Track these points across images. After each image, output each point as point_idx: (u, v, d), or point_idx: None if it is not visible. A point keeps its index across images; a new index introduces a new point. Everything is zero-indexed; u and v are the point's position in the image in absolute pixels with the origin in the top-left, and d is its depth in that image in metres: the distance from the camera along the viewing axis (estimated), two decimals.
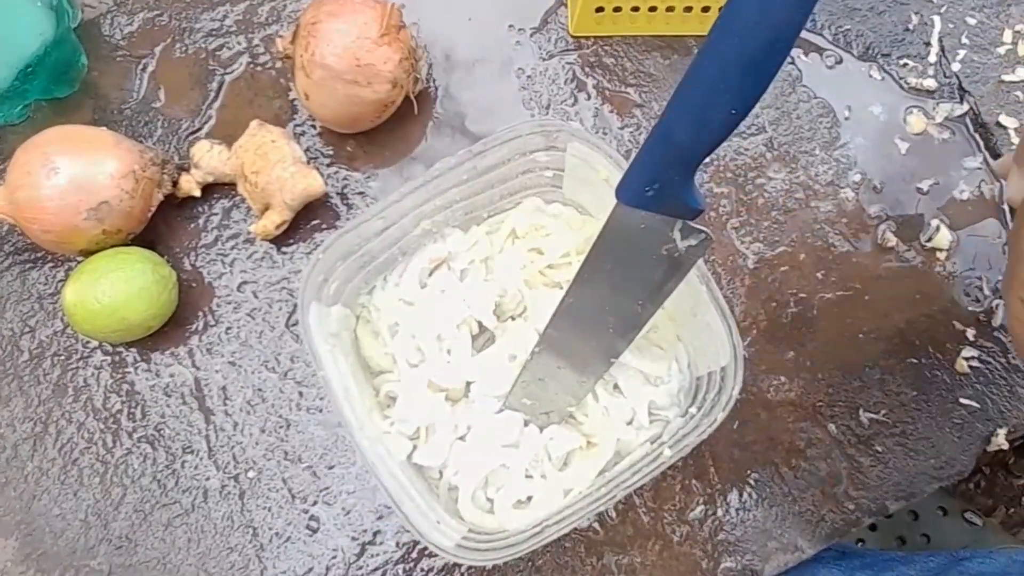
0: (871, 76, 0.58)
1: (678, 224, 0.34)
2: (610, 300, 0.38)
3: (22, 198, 0.47)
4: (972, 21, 0.60)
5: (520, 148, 0.44)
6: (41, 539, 0.50)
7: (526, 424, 0.46)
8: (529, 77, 0.58)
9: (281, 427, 0.52)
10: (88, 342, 0.53)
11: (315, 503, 0.51)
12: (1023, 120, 0.57)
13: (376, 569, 0.50)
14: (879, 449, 0.52)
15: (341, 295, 0.45)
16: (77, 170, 0.48)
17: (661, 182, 0.31)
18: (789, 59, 0.57)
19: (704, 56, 0.27)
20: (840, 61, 0.59)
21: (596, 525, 0.50)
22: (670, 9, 0.56)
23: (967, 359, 0.53)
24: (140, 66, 0.58)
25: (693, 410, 0.43)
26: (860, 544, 0.79)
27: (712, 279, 0.41)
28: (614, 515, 0.50)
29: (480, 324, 0.48)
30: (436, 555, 0.49)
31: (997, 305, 0.54)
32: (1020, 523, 1.10)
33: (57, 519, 0.50)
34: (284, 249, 0.54)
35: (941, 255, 0.55)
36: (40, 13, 0.52)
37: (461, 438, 0.46)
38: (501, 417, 0.46)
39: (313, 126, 0.57)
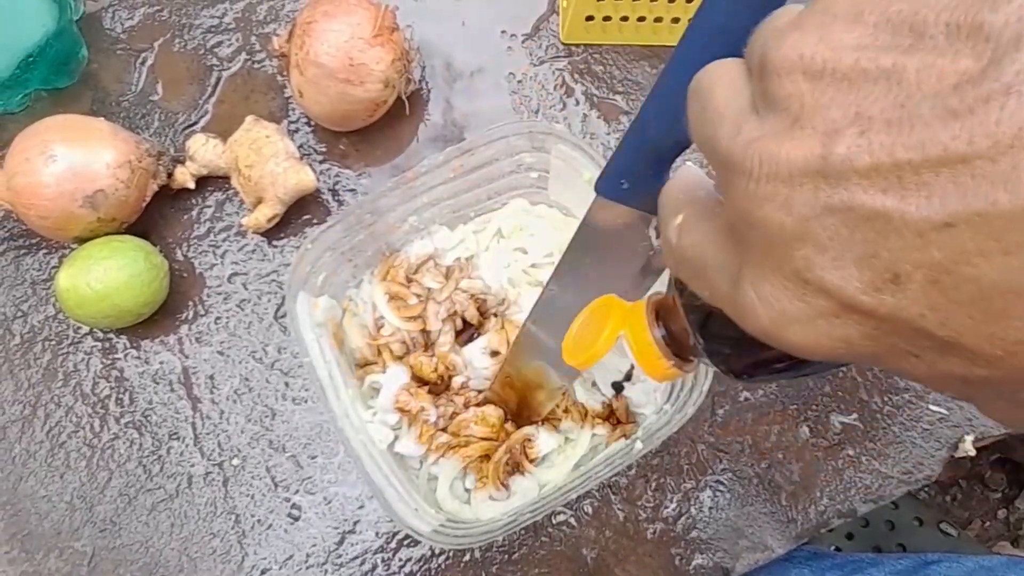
0: None
1: (653, 221, 0.35)
2: (587, 295, 0.40)
3: (20, 184, 0.49)
4: None
5: (507, 149, 0.46)
6: (27, 520, 0.51)
7: (506, 420, 0.47)
8: (520, 82, 0.60)
9: (266, 416, 0.53)
10: (79, 328, 0.54)
11: (297, 492, 0.52)
12: None
13: (355, 558, 0.51)
14: (850, 452, 0.53)
15: (328, 287, 0.47)
16: (74, 158, 0.49)
17: (635, 176, 0.33)
18: None
19: (676, 57, 0.29)
20: None
21: (572, 520, 0.51)
22: (658, 20, 0.57)
23: None
24: (139, 59, 0.59)
25: (667, 407, 0.44)
26: (837, 551, 0.80)
27: None
28: (590, 511, 0.51)
29: (464, 319, 0.49)
30: (414, 545, 0.50)
31: None
32: (996, 536, 1.11)
33: (43, 501, 0.51)
34: (275, 243, 0.56)
35: None
36: (44, 5, 0.54)
37: (443, 430, 0.47)
38: (482, 410, 0.47)
39: (307, 123, 0.58)
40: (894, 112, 0.16)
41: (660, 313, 0.31)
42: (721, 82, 0.21)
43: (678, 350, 0.30)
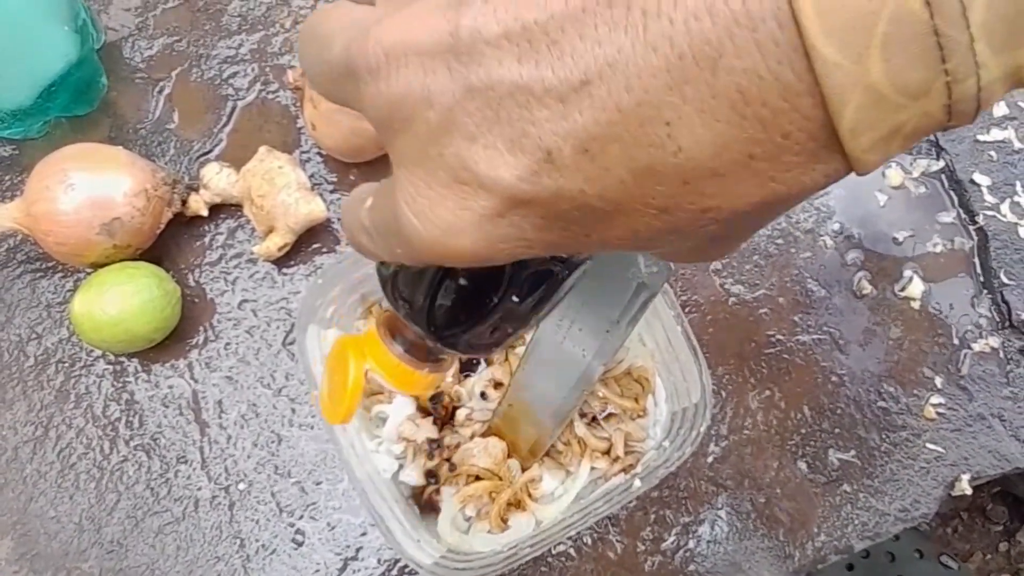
0: None
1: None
2: (580, 322, 0.40)
3: (39, 211, 0.50)
4: None
5: None
6: (36, 540, 0.52)
7: (509, 456, 0.48)
8: None
9: (273, 442, 0.54)
10: (92, 351, 0.55)
11: (301, 517, 0.52)
12: (995, 178, 0.60)
13: None
14: (847, 489, 0.54)
15: (337, 318, 0.48)
16: (93, 187, 0.50)
17: None
18: None
19: None
20: None
21: (571, 551, 0.52)
22: None
23: (935, 406, 0.55)
24: (157, 88, 0.61)
25: (666, 443, 0.45)
26: None
27: (686, 319, 0.43)
28: (589, 543, 0.52)
29: None
30: (415, 574, 0.51)
31: (966, 355, 0.56)
32: (997, 570, 1.11)
33: (52, 521, 0.52)
34: (285, 270, 0.57)
35: (914, 304, 0.57)
36: (66, 35, 0.55)
37: (447, 460, 0.48)
38: (485, 442, 0.48)
39: (318, 153, 0.59)
40: None
41: (392, 329, 0.30)
42: (328, 10, 0.19)
43: (422, 356, 0.29)
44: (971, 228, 0.59)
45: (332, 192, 0.58)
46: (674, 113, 0.14)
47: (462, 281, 0.25)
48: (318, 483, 0.53)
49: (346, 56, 0.17)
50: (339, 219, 0.58)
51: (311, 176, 0.58)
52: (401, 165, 0.17)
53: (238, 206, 0.57)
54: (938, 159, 0.60)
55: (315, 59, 0.19)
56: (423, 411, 0.49)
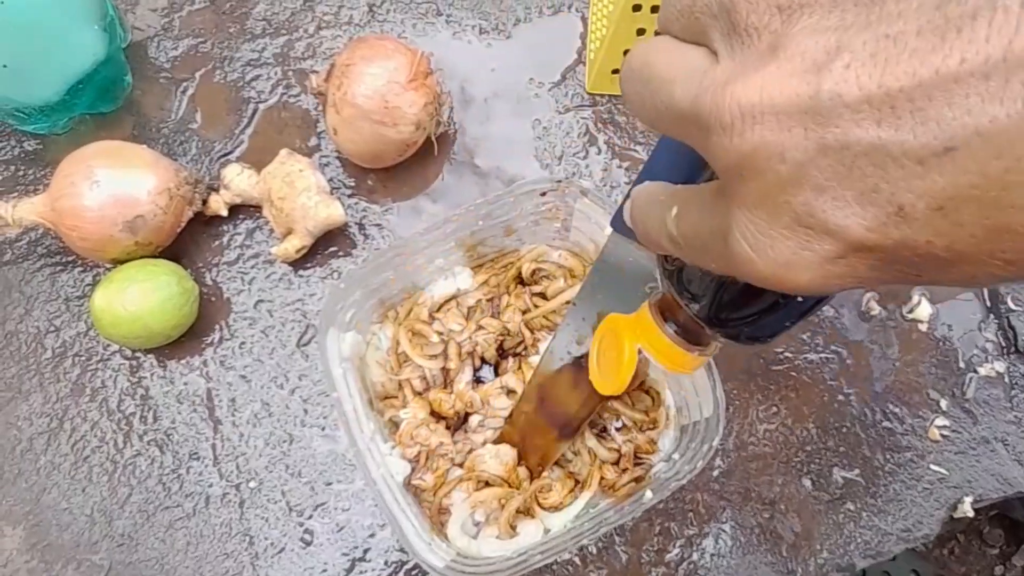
0: None
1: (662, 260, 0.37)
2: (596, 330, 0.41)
3: (64, 206, 0.51)
4: None
5: (532, 201, 0.48)
6: (47, 531, 0.52)
7: (519, 462, 0.49)
8: (545, 128, 0.62)
9: (285, 441, 0.54)
10: (109, 345, 0.56)
11: (311, 517, 0.53)
12: None
13: None
14: (850, 507, 0.54)
15: (355, 322, 0.48)
16: (117, 184, 0.51)
17: None
18: None
19: None
20: None
21: (577, 560, 0.52)
22: None
23: (939, 427, 0.56)
24: (181, 88, 0.62)
25: (676, 456, 0.46)
26: None
27: None
28: (594, 551, 0.53)
29: (483, 359, 0.51)
30: None
31: (971, 378, 0.57)
32: None
33: (64, 513, 0.53)
34: (301, 272, 0.57)
35: (921, 326, 0.58)
36: (94, 34, 0.56)
37: (459, 465, 0.48)
38: (496, 448, 0.48)
39: (338, 158, 0.60)
40: (879, 40, 0.15)
41: (664, 312, 0.32)
42: (655, 53, 0.20)
43: (694, 339, 0.31)
44: None
45: (350, 196, 0.59)
46: None
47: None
48: (328, 483, 0.53)
49: (695, 107, 0.18)
50: (356, 223, 0.59)
51: (330, 180, 0.59)
52: (742, 207, 0.18)
53: (257, 207, 0.58)
54: None
55: (649, 100, 0.20)
56: (436, 416, 0.49)
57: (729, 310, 0.27)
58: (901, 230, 0.16)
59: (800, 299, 0.26)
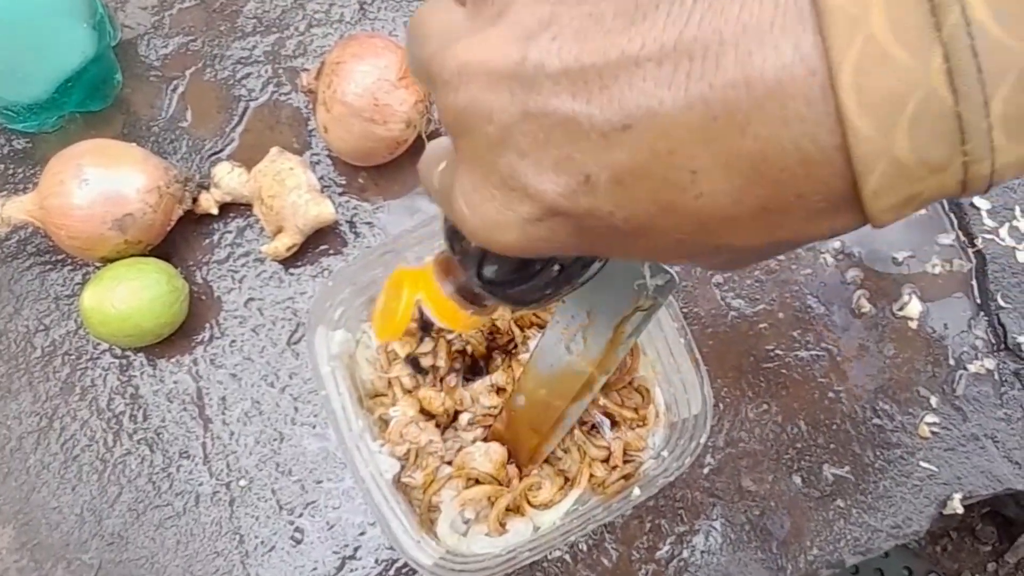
0: None
1: (648, 262, 0.37)
2: (584, 331, 0.41)
3: (53, 204, 0.50)
4: None
5: None
6: (37, 530, 0.52)
7: (509, 460, 0.49)
8: None
9: (275, 440, 0.54)
10: (98, 344, 0.56)
11: (301, 515, 0.53)
12: (995, 203, 0.61)
13: None
14: (840, 504, 0.54)
15: (344, 320, 0.48)
16: (106, 183, 0.51)
17: None
18: None
19: None
20: None
21: (567, 558, 0.53)
22: None
23: (929, 424, 0.56)
24: (171, 87, 0.61)
25: (665, 453, 0.46)
26: None
27: (689, 331, 0.44)
28: (584, 549, 0.53)
29: (472, 356, 0.51)
30: (412, 574, 0.51)
31: (961, 375, 0.57)
32: None
33: (54, 512, 0.53)
34: (292, 271, 0.57)
35: (912, 324, 0.58)
36: (84, 31, 0.56)
37: (449, 463, 0.48)
38: (486, 446, 0.48)
39: (328, 156, 0.60)
40: (584, 17, 0.17)
41: (447, 269, 0.32)
42: (430, 11, 0.21)
43: (472, 298, 0.32)
44: (970, 251, 0.60)
45: (341, 194, 0.59)
46: (700, 164, 0.16)
47: None
48: (319, 482, 0.53)
49: (429, 62, 0.19)
50: (347, 221, 0.59)
51: (321, 178, 0.59)
52: (463, 162, 0.20)
53: (247, 205, 0.58)
54: None
55: (411, 53, 0.21)
56: (426, 414, 0.49)
57: (491, 272, 0.28)
58: (588, 199, 0.17)
59: (557, 268, 0.27)
